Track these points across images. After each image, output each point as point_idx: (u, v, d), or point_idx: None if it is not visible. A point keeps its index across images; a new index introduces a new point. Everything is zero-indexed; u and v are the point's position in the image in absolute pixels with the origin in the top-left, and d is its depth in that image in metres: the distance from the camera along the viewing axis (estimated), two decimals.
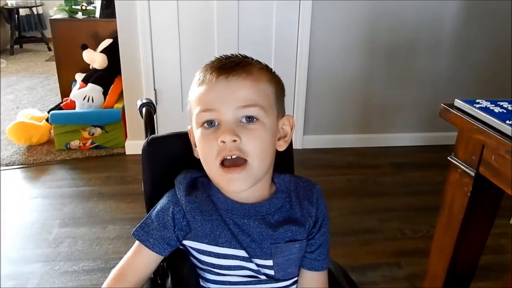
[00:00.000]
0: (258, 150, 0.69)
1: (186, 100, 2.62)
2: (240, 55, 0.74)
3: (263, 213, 0.74)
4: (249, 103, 0.68)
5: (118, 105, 2.71)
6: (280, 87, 0.75)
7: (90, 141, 2.63)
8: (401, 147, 2.78)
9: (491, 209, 1.00)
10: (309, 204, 0.77)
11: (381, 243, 1.85)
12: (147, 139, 0.84)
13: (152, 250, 0.73)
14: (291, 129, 0.77)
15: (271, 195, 0.77)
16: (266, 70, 0.74)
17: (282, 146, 0.76)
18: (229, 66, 0.70)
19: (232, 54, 0.74)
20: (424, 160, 2.63)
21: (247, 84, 0.69)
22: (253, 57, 0.76)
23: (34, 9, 5.25)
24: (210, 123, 0.69)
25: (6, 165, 2.46)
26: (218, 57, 0.74)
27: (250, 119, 0.69)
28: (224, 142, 0.67)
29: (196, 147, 0.75)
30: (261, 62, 0.75)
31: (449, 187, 1.01)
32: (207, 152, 0.70)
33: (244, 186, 0.70)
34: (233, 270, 0.74)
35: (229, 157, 0.68)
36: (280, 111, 0.75)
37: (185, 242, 0.75)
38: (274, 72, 0.75)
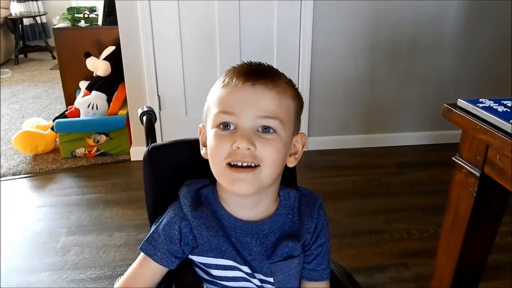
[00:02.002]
0: (271, 158, 0.68)
1: (189, 105, 2.61)
2: (267, 64, 0.74)
3: (266, 231, 0.75)
4: (270, 115, 0.68)
5: (122, 112, 2.73)
6: (301, 105, 0.75)
7: (95, 149, 2.65)
8: (406, 147, 2.77)
9: (497, 209, 0.99)
10: (309, 220, 0.77)
11: (388, 244, 1.84)
12: (148, 148, 0.84)
13: (160, 264, 0.73)
14: (302, 147, 0.77)
15: (274, 212, 0.76)
16: (291, 85, 0.74)
17: (292, 163, 0.76)
18: (258, 74, 0.69)
19: (259, 62, 0.73)
20: (429, 159, 2.62)
21: (272, 95, 0.69)
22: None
23: (38, 18, 5.28)
24: (226, 125, 0.69)
25: (13, 174, 2.47)
26: (246, 62, 0.73)
27: (266, 129, 0.68)
28: (238, 148, 0.67)
29: (204, 146, 0.75)
30: (286, 76, 0.74)
31: (454, 187, 1.00)
32: (217, 151, 0.69)
33: (249, 189, 0.69)
34: (239, 281, 0.75)
35: (240, 164, 0.67)
36: (296, 128, 0.75)
37: (192, 257, 0.75)
38: (297, 89, 0.75)
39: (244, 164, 0.67)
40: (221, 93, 0.70)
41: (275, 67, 0.75)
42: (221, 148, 0.68)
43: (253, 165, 0.68)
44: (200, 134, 0.77)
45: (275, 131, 0.69)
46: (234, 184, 0.68)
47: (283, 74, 0.74)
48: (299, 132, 0.76)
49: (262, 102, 0.68)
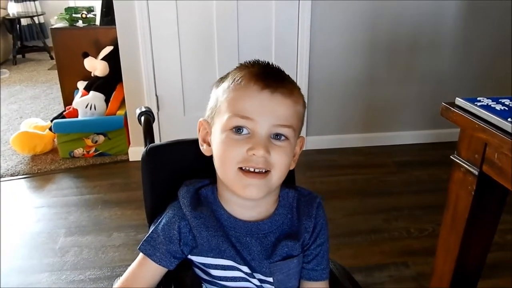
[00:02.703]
0: (282, 164, 0.69)
1: (187, 105, 2.59)
2: (277, 66, 0.73)
3: (265, 231, 0.75)
4: (286, 123, 0.69)
5: (120, 112, 2.72)
6: (305, 110, 0.76)
7: (93, 149, 2.64)
8: (405, 146, 2.77)
9: (496, 207, 0.99)
10: (307, 219, 0.77)
11: (388, 243, 1.84)
12: (146, 148, 0.84)
13: (159, 264, 0.73)
14: (300, 149, 0.77)
15: (273, 212, 0.77)
16: (300, 91, 0.74)
17: (291, 166, 0.76)
18: (276, 81, 0.69)
19: (267, 62, 0.73)
20: (428, 158, 2.62)
21: (288, 103, 0.69)
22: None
23: (35, 18, 5.27)
24: (239, 129, 0.68)
25: (11, 175, 2.47)
26: (254, 61, 0.73)
27: (278, 136, 0.69)
28: (254, 155, 0.67)
29: (204, 143, 0.75)
30: (293, 80, 0.74)
31: (453, 186, 1.00)
32: (229, 156, 0.69)
33: (259, 194, 0.69)
34: (239, 281, 0.75)
35: (252, 170, 0.68)
36: (300, 132, 0.76)
37: (191, 257, 0.75)
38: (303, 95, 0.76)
39: (257, 170, 0.68)
40: (237, 95, 0.69)
41: None
42: (234, 152, 0.68)
43: (264, 170, 0.68)
44: (199, 130, 0.76)
45: (287, 138, 0.69)
46: (246, 188, 0.69)
47: (291, 78, 0.74)
48: (300, 135, 0.76)
49: (279, 110, 0.68)
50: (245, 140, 0.67)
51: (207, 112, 0.75)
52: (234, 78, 0.70)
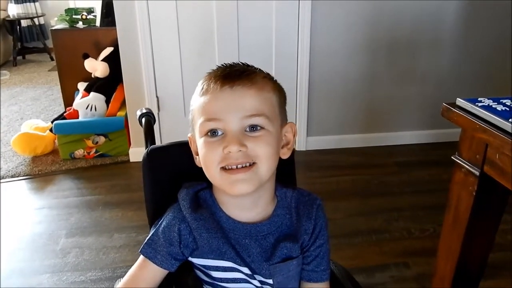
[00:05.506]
0: (265, 154, 0.68)
1: (188, 106, 2.61)
2: (242, 63, 0.74)
3: (264, 233, 0.75)
4: (255, 113, 0.68)
5: (121, 113, 2.72)
6: (283, 96, 0.75)
7: (94, 150, 2.64)
8: (406, 146, 2.76)
9: (497, 208, 0.99)
10: (307, 221, 0.77)
11: (389, 243, 1.84)
12: (147, 150, 0.84)
13: (161, 267, 0.73)
14: (294, 136, 0.77)
15: (272, 212, 0.76)
16: (269, 78, 0.74)
17: (285, 154, 0.75)
18: (234, 75, 0.69)
19: (234, 63, 0.74)
20: (429, 158, 2.62)
21: (252, 93, 0.69)
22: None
23: (35, 20, 5.28)
24: (214, 132, 0.69)
25: (12, 176, 2.47)
26: (221, 65, 0.73)
27: (254, 127, 0.68)
28: (230, 152, 0.66)
29: (197, 155, 0.75)
30: (263, 71, 0.74)
31: (454, 187, 1.00)
32: (209, 158, 0.69)
33: (249, 188, 0.68)
34: (240, 283, 0.75)
35: (235, 167, 0.67)
36: (283, 119, 0.75)
37: (192, 260, 0.75)
38: (276, 81, 0.75)
39: (239, 166, 0.67)
40: (202, 100, 0.70)
41: (273, 68, 0.75)
42: (212, 154, 0.68)
43: (247, 164, 0.68)
44: (191, 144, 0.77)
45: (263, 127, 0.69)
46: (234, 185, 0.68)
47: (260, 69, 0.74)
48: (288, 122, 0.76)
49: (244, 102, 0.68)
50: (220, 141, 0.68)
51: (190, 127, 0.76)
52: (199, 86, 0.72)
